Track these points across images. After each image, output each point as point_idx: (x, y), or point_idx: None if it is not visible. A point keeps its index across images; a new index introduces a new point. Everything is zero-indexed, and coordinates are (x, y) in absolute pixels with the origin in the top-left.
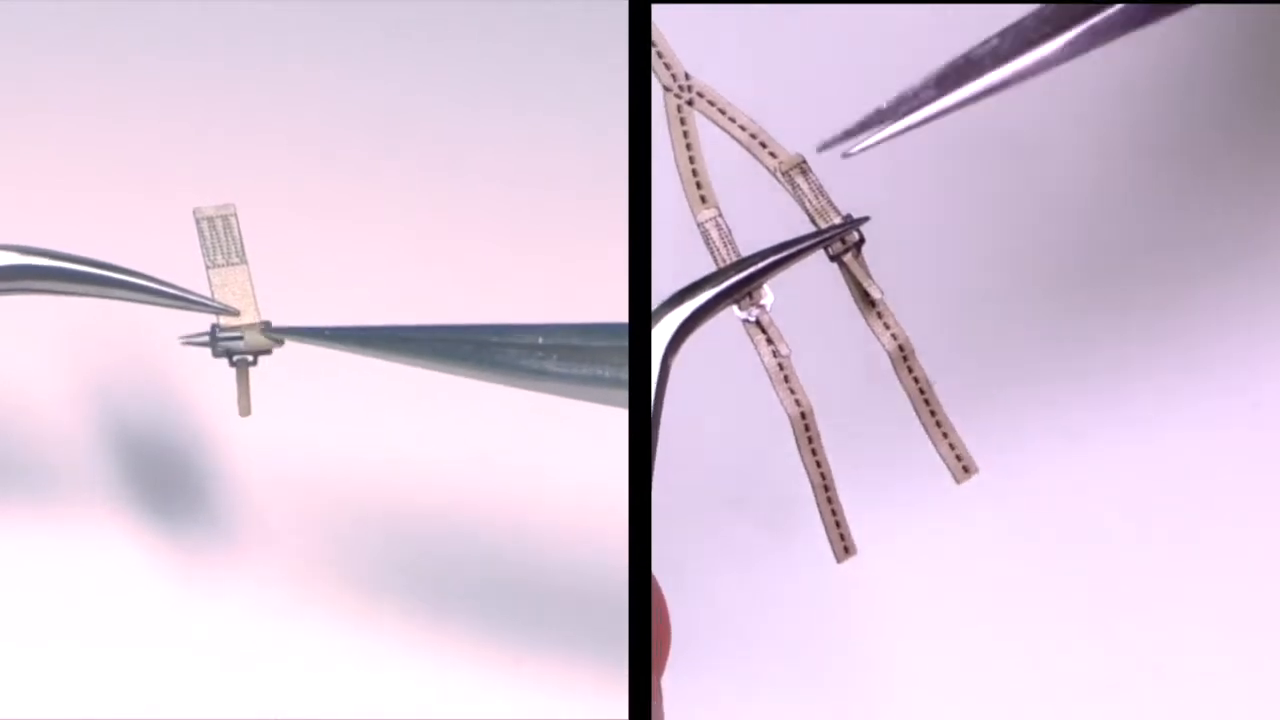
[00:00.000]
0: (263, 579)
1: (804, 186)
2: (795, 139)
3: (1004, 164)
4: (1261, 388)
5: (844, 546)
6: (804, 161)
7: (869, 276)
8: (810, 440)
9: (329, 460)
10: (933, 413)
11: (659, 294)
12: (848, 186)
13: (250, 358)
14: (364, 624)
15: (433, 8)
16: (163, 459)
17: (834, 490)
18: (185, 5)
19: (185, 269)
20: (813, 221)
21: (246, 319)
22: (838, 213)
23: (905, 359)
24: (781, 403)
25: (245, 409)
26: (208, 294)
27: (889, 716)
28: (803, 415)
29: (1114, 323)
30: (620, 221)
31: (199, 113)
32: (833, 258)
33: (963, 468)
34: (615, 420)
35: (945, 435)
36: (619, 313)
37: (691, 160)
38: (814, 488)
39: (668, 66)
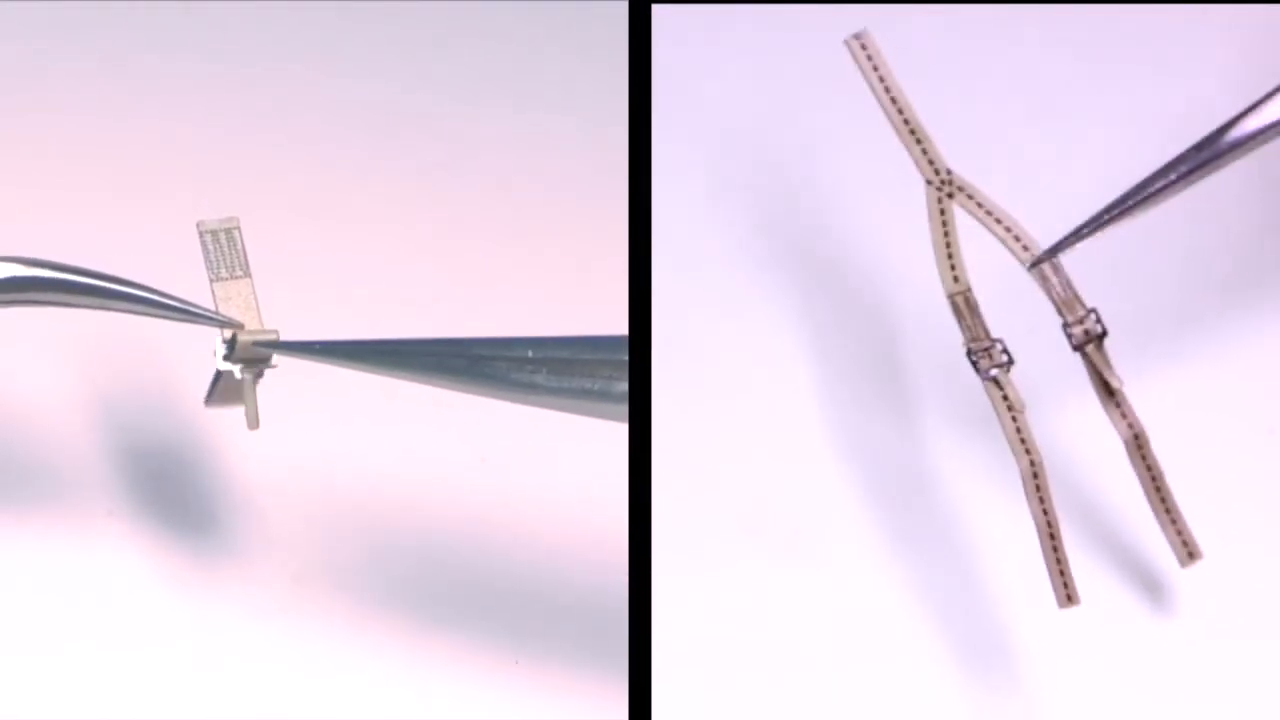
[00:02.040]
0: (264, 585)
1: (1053, 280)
2: (794, 137)
3: None
4: None
5: (1066, 595)
6: (1055, 259)
7: (1109, 367)
8: (1039, 489)
9: (331, 467)
10: (1163, 500)
11: (659, 294)
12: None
13: (260, 370)
14: (365, 628)
15: (433, 8)
16: (166, 469)
17: (1059, 539)
18: (186, 7)
19: (187, 271)
20: (1059, 312)
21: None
22: (1083, 305)
23: (1140, 448)
24: (1014, 456)
25: (254, 422)
26: (211, 307)
27: None
28: (1032, 464)
29: None
30: (620, 221)
31: (199, 114)
32: (1076, 348)
33: (1188, 553)
34: (619, 427)
35: (1174, 521)
36: (619, 313)
37: (948, 245)
38: (1039, 534)
39: (931, 162)
